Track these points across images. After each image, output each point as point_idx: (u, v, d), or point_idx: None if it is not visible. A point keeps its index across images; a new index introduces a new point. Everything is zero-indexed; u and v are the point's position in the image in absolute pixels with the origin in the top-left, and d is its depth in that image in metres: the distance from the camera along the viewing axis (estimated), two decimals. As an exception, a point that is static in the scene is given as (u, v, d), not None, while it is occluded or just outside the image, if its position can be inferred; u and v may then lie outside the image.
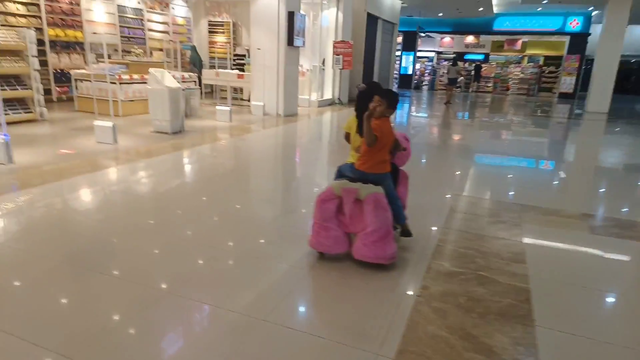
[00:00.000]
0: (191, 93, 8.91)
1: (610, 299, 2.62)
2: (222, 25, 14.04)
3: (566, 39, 20.74)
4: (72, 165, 4.87)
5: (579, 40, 19.86)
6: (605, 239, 3.49)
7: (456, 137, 9.19)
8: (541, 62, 23.69)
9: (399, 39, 21.78)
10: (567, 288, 2.67)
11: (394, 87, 21.42)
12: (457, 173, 5.70)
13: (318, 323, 2.23)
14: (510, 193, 4.79)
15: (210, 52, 14.03)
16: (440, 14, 21.09)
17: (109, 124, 5.96)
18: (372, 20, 14.99)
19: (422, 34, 23.74)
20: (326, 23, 12.82)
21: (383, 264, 2.71)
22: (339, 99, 13.13)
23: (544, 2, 16.42)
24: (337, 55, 12.39)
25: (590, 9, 17.92)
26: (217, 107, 8.70)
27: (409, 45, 22.82)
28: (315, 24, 12.66)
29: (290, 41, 9.61)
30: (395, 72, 22.15)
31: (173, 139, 6.75)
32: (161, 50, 12.37)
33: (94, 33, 10.42)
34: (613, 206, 4.63)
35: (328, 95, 13.20)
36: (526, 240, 3.33)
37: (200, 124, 8.23)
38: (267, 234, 3.35)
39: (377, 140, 2.62)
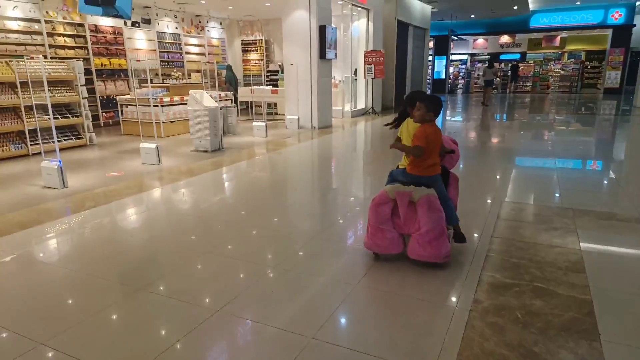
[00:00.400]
0: (228, 111, 9.16)
1: (685, 310, 2.41)
2: (254, 44, 14.42)
3: (609, 32, 19.76)
4: (120, 187, 5.09)
5: (622, 33, 18.85)
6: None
7: (496, 140, 8.90)
8: (583, 58, 22.68)
9: (431, 44, 21.52)
10: (632, 299, 2.48)
11: (428, 92, 21.10)
12: (500, 177, 5.50)
13: (370, 340, 2.17)
14: (559, 197, 4.54)
15: (245, 70, 14.43)
16: (473, 16, 20.68)
17: (152, 145, 6.21)
18: (402, 27, 14.91)
19: (455, 37, 23.33)
20: (357, 34, 12.87)
21: (437, 263, 2.81)
22: (372, 108, 13.08)
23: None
24: (369, 64, 12.38)
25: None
26: (254, 124, 8.89)
27: (442, 49, 22.48)
28: (346, 35, 12.74)
29: (322, 54, 9.71)
30: (429, 77, 21.86)
31: (213, 156, 6.93)
32: (199, 71, 12.84)
33: (137, 60, 10.97)
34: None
35: (361, 105, 13.18)
36: (583, 247, 3.14)
37: (238, 141, 8.42)
38: (309, 247, 3.34)
39: (423, 150, 2.77)
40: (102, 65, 10.33)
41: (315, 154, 7.77)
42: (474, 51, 25.46)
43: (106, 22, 10.40)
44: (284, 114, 10.62)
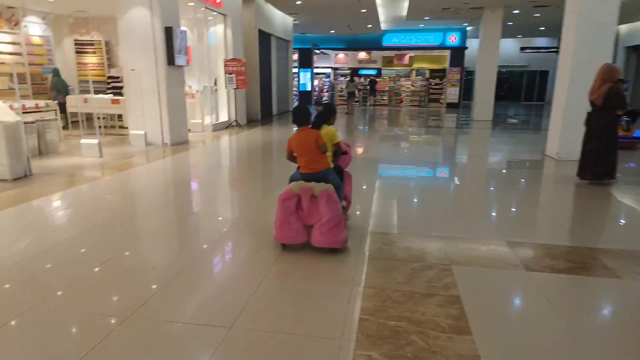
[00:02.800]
0: (46, 125, 7.24)
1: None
2: (92, 45, 12.22)
3: (447, 53, 22.33)
4: None
5: (458, 54, 21.48)
6: (545, 276, 3.03)
7: (362, 148, 8.79)
8: (427, 75, 25.28)
9: (295, 56, 21.53)
10: (526, 364, 2.06)
11: (294, 104, 21.06)
12: (364, 198, 5.11)
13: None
14: (428, 220, 4.26)
15: (81, 75, 12.10)
16: (332, 31, 21.33)
17: None
18: (265, 37, 14.34)
19: (317, 51, 23.85)
20: (214, 40, 11.81)
21: (337, 248, 3.26)
22: (235, 120, 12.13)
23: (426, 18, 17.34)
24: (230, 74, 11.44)
25: (465, 24, 19.44)
26: (82, 141, 7.16)
27: (305, 62, 22.71)
28: (203, 41, 11.59)
29: (170, 60, 8.44)
30: (295, 89, 21.82)
31: (14, 187, 5.19)
32: (11, 75, 10.23)
33: None
34: (534, 226, 4.36)
35: (224, 117, 12.13)
36: (463, 291, 2.72)
37: (58, 164, 6.65)
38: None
39: (287, 154, 3.56)
40: None
41: (164, 177, 6.49)
42: (337, 65, 26.43)
43: None
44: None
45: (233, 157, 8.48)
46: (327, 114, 3.67)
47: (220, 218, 4.53)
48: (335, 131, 3.66)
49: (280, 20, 16.02)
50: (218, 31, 11.72)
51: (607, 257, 3.37)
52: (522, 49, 25.35)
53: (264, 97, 14.57)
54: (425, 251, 3.39)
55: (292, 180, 3.47)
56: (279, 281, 2.94)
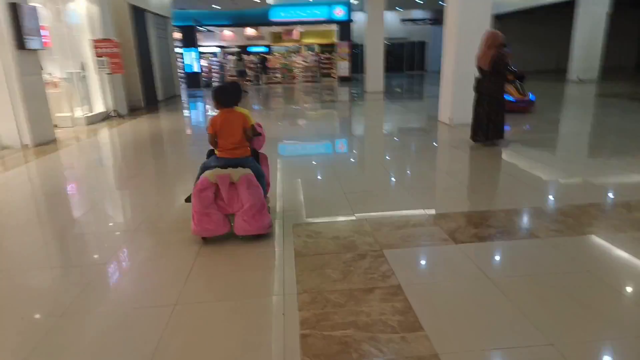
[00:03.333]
0: None
1: None
2: None
3: (335, 27, 22.47)
4: None
5: (345, 28, 21.73)
6: (473, 246, 3.00)
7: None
8: (317, 50, 25.31)
9: (178, 35, 19.79)
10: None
11: (182, 88, 19.53)
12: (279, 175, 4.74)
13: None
14: (345, 201, 4.04)
15: None
16: (216, 6, 19.97)
17: None
18: (139, 14, 12.74)
19: (201, 28, 22.23)
20: (76, 19, 10.09)
21: (263, 234, 3.15)
22: (115, 110, 10.68)
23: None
24: (100, 57, 9.93)
25: (350, -2, 19.56)
26: None
27: (190, 41, 21.02)
28: (62, 20, 9.82)
29: (20, 43, 6.92)
30: (181, 71, 20.16)
31: None
32: None
33: None
34: (447, 195, 4.42)
35: (100, 108, 10.58)
36: (402, 279, 2.54)
37: None
38: None
39: (211, 136, 3.20)
40: None
41: (32, 187, 5.30)
42: (224, 43, 25.04)
43: None
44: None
45: (117, 154, 7.39)
46: (238, 93, 3.33)
47: (112, 224, 3.81)
48: (249, 112, 3.33)
49: (155, -6, 14.39)
50: (79, 7, 10.02)
51: (519, 217, 3.50)
52: (403, 21, 26.66)
53: (146, 81, 13.09)
54: (353, 239, 3.15)
55: (205, 168, 3.19)
56: (203, 292, 2.47)
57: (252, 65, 22.58)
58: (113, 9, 11.06)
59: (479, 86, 6.08)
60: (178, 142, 8.46)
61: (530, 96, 9.05)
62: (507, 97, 7.43)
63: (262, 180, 3.24)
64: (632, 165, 5.12)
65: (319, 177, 5.13)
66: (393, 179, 5.00)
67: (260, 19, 22.00)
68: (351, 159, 6.32)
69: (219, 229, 3.06)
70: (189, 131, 9.79)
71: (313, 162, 5.95)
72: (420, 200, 4.06)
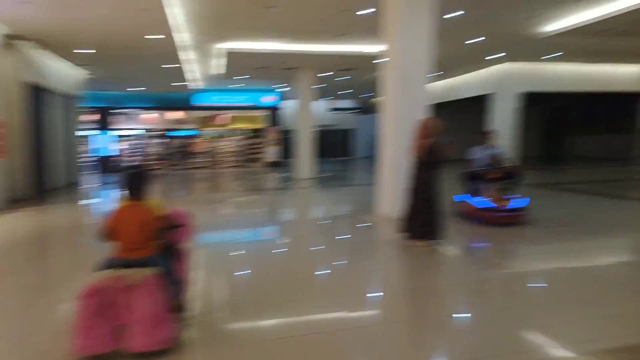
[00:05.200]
0: None
1: None
2: None
3: (265, 113, 22.42)
4: None
5: (275, 114, 21.76)
6: None
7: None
8: (247, 135, 24.87)
9: (95, 117, 18.25)
10: None
11: (93, 173, 17.57)
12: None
13: None
14: (276, 303, 2.91)
15: None
16: (140, 88, 18.99)
17: None
18: (37, 92, 11.20)
19: (120, 111, 20.88)
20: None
21: (165, 349, 2.62)
22: (-11, 203, 8.62)
23: (241, 77, 16.81)
24: (-26, 139, 8.14)
25: (280, 85, 19.73)
26: None
27: (107, 123, 19.46)
28: None
29: None
30: (90, 155, 18.28)
31: None
32: None
33: None
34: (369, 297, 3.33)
35: (-32, 199, 8.47)
36: None
37: None
38: None
39: (101, 235, 2.82)
40: None
41: None
42: (147, 126, 23.71)
43: None
44: None
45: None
46: (143, 182, 2.89)
47: None
48: (160, 202, 2.97)
49: (64, 73, 13.05)
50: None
51: None
52: (333, 109, 27.64)
53: (36, 166, 11.13)
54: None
55: (102, 268, 2.74)
56: None
57: (176, 149, 21.37)
58: (3, 87, 9.50)
59: (413, 178, 5.44)
60: (65, 240, 6.76)
61: (514, 203, 6.66)
62: (486, 204, 6.62)
63: (175, 281, 2.82)
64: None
65: (243, 272, 4.68)
66: (322, 277, 4.53)
67: (185, 103, 21.35)
68: (282, 253, 5.84)
69: (107, 344, 2.58)
70: (79, 228, 7.98)
71: (236, 255, 5.43)
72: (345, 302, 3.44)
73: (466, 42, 11.17)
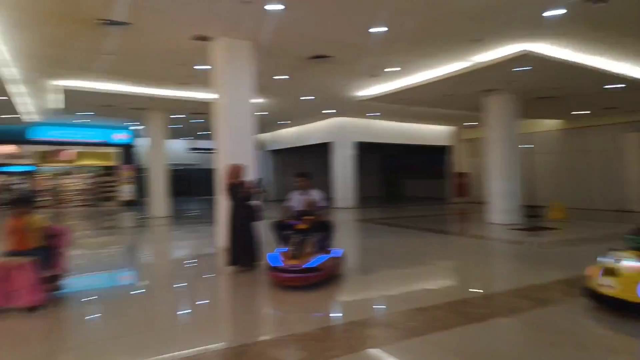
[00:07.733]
0: None
1: None
2: None
3: (117, 150, 21.47)
4: None
5: (128, 151, 21.01)
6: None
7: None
8: (98, 173, 23.25)
9: None
10: None
11: None
12: None
13: None
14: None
15: None
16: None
17: None
18: None
19: None
20: None
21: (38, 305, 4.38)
22: None
23: (87, 114, 16.05)
24: None
25: (132, 123, 19.24)
26: None
27: None
28: None
29: None
30: None
31: None
32: None
33: None
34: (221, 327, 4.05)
35: None
36: None
37: None
38: None
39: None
40: None
41: None
42: (-32, 160, 20.51)
43: None
44: None
45: None
46: (26, 201, 5.04)
47: None
48: (41, 217, 4.86)
49: None
50: None
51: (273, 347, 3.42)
52: (191, 149, 27.74)
53: None
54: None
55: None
56: None
57: (7, 187, 18.94)
58: None
59: (230, 213, 6.46)
60: None
61: (315, 261, 5.24)
62: (276, 261, 5.35)
63: (47, 266, 4.64)
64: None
65: (87, 317, 4.60)
66: (164, 315, 4.69)
67: (22, 137, 19.28)
68: (137, 295, 5.84)
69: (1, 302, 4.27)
70: None
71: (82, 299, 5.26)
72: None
73: (301, 98, 12.98)
